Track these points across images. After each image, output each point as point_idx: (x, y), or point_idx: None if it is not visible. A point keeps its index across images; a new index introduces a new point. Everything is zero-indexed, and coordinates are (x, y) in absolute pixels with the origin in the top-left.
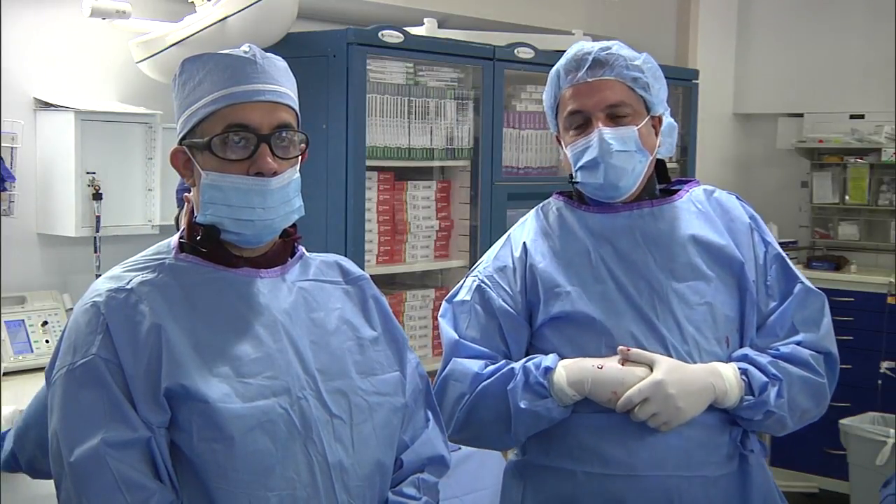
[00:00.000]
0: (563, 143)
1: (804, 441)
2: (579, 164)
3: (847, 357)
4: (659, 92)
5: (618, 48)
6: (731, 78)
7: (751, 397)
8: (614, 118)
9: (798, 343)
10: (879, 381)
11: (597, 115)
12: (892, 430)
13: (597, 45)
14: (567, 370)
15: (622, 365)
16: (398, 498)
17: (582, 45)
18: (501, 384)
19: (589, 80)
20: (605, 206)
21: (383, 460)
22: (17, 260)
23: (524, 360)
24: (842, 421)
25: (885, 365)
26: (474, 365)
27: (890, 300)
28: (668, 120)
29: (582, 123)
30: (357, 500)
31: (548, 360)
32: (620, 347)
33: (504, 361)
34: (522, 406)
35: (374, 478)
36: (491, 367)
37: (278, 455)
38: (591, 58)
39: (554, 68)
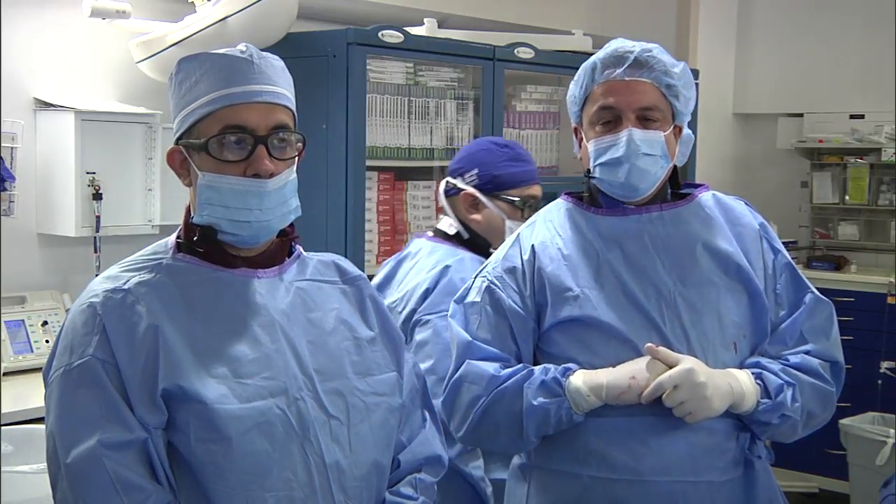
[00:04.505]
0: (584, 136)
1: (804, 441)
2: (602, 159)
3: (847, 357)
4: (688, 102)
5: (658, 52)
6: (731, 78)
7: (767, 400)
8: (644, 121)
9: (807, 352)
10: (879, 381)
11: (628, 114)
12: (892, 430)
13: (638, 46)
14: (585, 372)
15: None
16: (395, 498)
17: (623, 43)
18: (519, 384)
19: (626, 78)
20: (614, 208)
21: (380, 460)
22: (17, 260)
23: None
24: (842, 421)
25: (885, 365)
26: (489, 367)
27: (890, 300)
28: (686, 130)
29: (611, 120)
30: (354, 500)
31: (570, 364)
32: (648, 345)
33: (522, 365)
34: (535, 403)
35: (371, 478)
36: (508, 370)
37: (275, 456)
38: (632, 57)
39: (590, 60)
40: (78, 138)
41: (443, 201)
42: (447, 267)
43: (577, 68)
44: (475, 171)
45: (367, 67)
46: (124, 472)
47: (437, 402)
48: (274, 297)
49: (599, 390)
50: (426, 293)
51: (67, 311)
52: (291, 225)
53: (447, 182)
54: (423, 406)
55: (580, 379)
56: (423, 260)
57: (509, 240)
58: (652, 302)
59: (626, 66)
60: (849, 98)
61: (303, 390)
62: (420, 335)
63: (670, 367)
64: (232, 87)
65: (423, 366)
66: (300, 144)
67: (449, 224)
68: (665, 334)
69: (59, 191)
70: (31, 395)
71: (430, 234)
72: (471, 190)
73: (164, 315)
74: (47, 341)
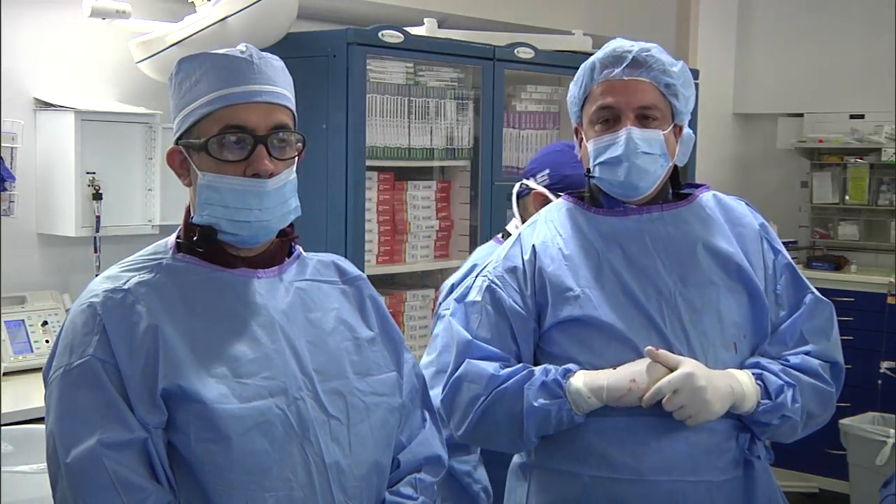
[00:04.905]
0: (584, 136)
1: (804, 441)
2: (601, 158)
3: (847, 357)
4: (688, 101)
5: (657, 51)
6: (731, 78)
7: (768, 401)
8: (643, 119)
9: (807, 353)
10: (879, 381)
11: (627, 113)
12: (892, 430)
13: (637, 45)
14: (585, 374)
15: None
16: (395, 498)
17: (622, 43)
18: (519, 385)
19: (625, 78)
20: (615, 208)
21: (380, 460)
22: (17, 260)
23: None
24: (842, 421)
25: (885, 365)
26: (489, 366)
27: (890, 300)
28: (687, 130)
29: (610, 119)
30: (354, 500)
31: (570, 365)
32: (648, 348)
33: (522, 365)
34: (535, 404)
35: (371, 478)
36: (508, 370)
37: (275, 455)
38: (630, 56)
39: (589, 60)
40: (78, 138)
41: (513, 203)
42: (475, 265)
43: (577, 68)
44: (546, 171)
45: (367, 67)
46: (124, 472)
47: (434, 392)
48: (274, 297)
49: (600, 392)
50: (451, 288)
51: (67, 311)
52: (291, 225)
53: (521, 184)
54: (422, 406)
55: (581, 380)
56: (471, 258)
57: (510, 240)
58: (652, 302)
59: (624, 65)
60: (849, 98)
61: (302, 390)
62: (437, 329)
63: (671, 370)
64: (232, 87)
65: (428, 358)
66: (300, 144)
67: (515, 226)
68: (665, 334)
69: (59, 191)
70: (31, 395)
71: (500, 235)
72: (541, 189)
73: (164, 315)
74: (47, 341)
